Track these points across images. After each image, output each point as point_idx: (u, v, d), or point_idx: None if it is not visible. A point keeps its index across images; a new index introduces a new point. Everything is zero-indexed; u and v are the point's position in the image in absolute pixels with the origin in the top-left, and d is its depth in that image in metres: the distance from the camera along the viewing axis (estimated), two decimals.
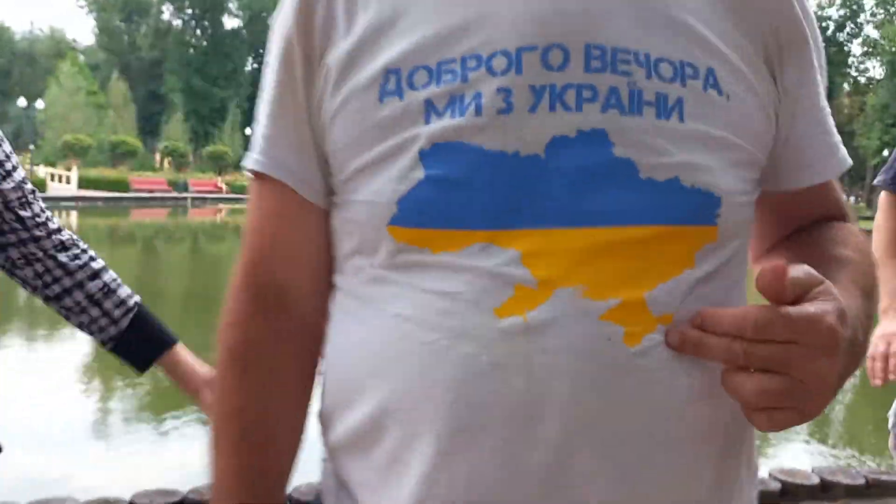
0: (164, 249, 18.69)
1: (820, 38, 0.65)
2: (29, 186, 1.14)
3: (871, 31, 65.07)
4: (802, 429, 5.31)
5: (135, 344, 1.18)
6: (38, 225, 1.14)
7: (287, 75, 0.63)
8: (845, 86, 68.28)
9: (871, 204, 57.53)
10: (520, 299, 0.53)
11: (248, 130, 53.50)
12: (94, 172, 36.74)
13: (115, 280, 1.19)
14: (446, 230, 0.55)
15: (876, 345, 1.64)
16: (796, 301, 0.49)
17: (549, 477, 0.54)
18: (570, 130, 0.54)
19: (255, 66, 70.73)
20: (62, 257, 1.15)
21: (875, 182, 2.03)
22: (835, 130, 0.66)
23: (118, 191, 33.82)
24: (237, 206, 37.19)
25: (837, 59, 65.72)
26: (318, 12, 0.60)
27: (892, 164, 2.00)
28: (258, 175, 0.66)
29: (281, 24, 0.64)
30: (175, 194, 37.29)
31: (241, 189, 42.24)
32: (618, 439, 0.54)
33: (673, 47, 0.57)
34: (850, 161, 0.66)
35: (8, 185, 1.12)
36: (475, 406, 0.54)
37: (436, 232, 0.55)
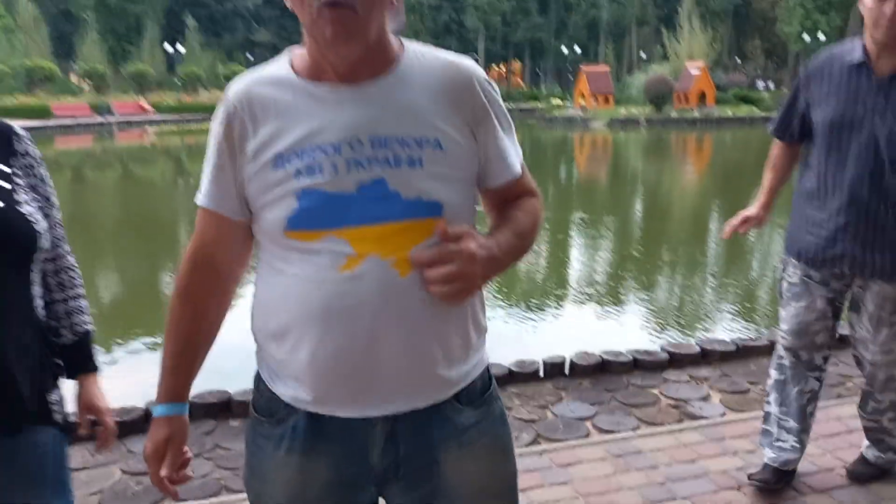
0: (95, 177, 18.39)
1: (499, 103, 1.22)
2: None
3: None
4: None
5: (76, 356, 1.56)
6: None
7: (221, 157, 1.18)
8: None
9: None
10: (350, 262, 1.08)
11: (168, 47, 51.18)
12: (11, 101, 35.04)
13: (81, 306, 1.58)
14: (312, 230, 1.10)
15: (735, 215, 2.65)
16: (458, 240, 1.09)
17: (369, 344, 1.10)
18: (367, 179, 1.09)
19: None
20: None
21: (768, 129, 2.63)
22: (510, 153, 1.24)
23: (39, 118, 32.46)
24: (165, 127, 36.12)
25: None
26: (235, 128, 1.16)
27: (779, 113, 2.57)
28: (204, 207, 1.22)
29: (216, 130, 1.18)
30: (100, 119, 35.97)
31: (167, 109, 40.90)
32: (396, 322, 1.09)
33: (416, 130, 1.12)
34: (517, 169, 1.25)
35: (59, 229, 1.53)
36: (332, 315, 1.09)
37: (307, 232, 1.10)
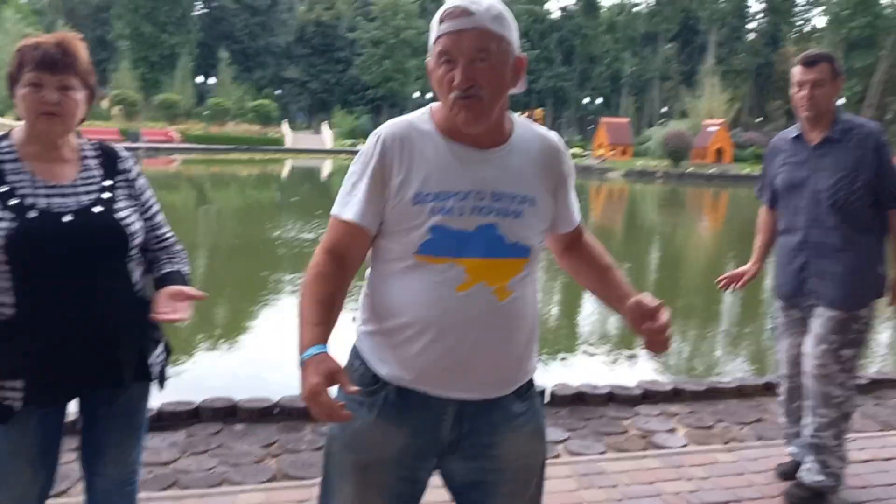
0: None
1: (573, 169, 1.61)
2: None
3: None
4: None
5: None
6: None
7: (374, 182, 1.47)
8: (790, 35, 68.99)
9: None
10: (465, 285, 1.42)
11: (199, 79, 52.50)
12: None
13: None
14: (438, 256, 1.43)
15: (732, 270, 3.20)
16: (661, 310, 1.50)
17: (471, 349, 1.44)
18: (484, 223, 1.43)
19: (206, 10, 68.93)
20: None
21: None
22: (575, 207, 1.64)
23: None
24: (190, 156, 37.00)
25: (783, 7, 66.42)
26: (387, 162, 1.46)
27: (761, 178, 3.17)
28: (351, 221, 1.48)
29: (372, 159, 1.48)
30: (128, 144, 36.95)
31: (193, 139, 41.87)
32: (492, 335, 1.45)
33: (521, 189, 1.48)
34: (577, 219, 1.65)
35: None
36: (447, 323, 1.43)
37: (434, 257, 1.43)
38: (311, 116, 75.20)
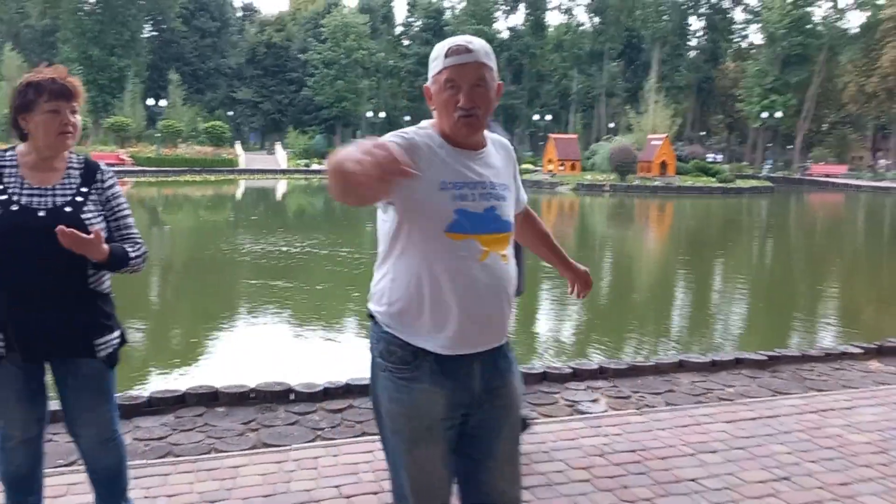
0: None
1: (516, 164, 2.07)
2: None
3: (750, 0, 68.28)
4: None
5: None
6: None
7: (405, 149, 1.63)
8: (729, 51, 71.40)
9: (753, 162, 61.66)
10: (483, 254, 1.80)
11: (149, 101, 52.09)
12: None
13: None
14: (462, 234, 1.78)
15: None
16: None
17: (495, 306, 1.84)
18: (489, 206, 1.83)
19: (155, 32, 68.54)
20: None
21: None
22: (522, 191, 2.11)
23: None
24: (142, 178, 36.86)
25: (721, 25, 68.76)
26: (415, 147, 1.75)
27: None
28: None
29: (402, 140, 1.75)
30: None
31: (145, 161, 41.60)
32: (504, 293, 1.86)
33: (502, 180, 1.91)
34: (525, 199, 2.16)
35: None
36: (476, 287, 1.79)
37: (458, 234, 1.78)
38: (265, 137, 75.23)
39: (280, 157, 52.73)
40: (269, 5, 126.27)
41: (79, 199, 2.31)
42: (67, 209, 2.27)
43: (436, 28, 68.21)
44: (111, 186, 2.42)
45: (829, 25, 59.92)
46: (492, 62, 1.83)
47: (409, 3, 74.22)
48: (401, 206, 1.78)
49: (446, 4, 71.95)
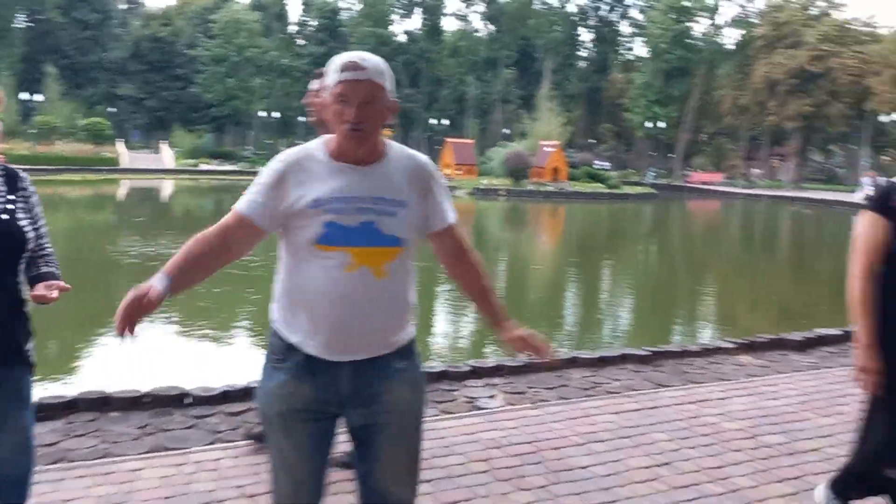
0: None
1: (437, 179, 2.03)
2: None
3: (636, 14, 71.45)
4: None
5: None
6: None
7: (272, 191, 1.90)
8: (616, 63, 74.38)
9: (638, 170, 64.58)
10: (351, 267, 1.85)
11: (23, 95, 48.98)
12: None
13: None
14: (331, 246, 1.85)
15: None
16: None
17: (358, 317, 1.88)
18: (365, 220, 1.87)
19: (30, 23, 64.47)
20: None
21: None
22: (445, 209, 2.03)
23: None
24: None
25: (609, 37, 71.58)
26: (286, 179, 1.90)
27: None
28: (244, 214, 1.91)
29: (273, 174, 1.92)
30: None
31: (19, 159, 39.00)
32: (372, 306, 1.89)
33: (394, 194, 1.91)
34: (451, 219, 2.04)
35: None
36: (340, 297, 1.86)
37: (328, 247, 1.86)
38: (149, 135, 72.03)
39: (166, 156, 50.71)
40: None
41: (10, 206, 2.25)
42: (4, 216, 2.21)
43: (331, 29, 67.65)
44: (34, 194, 2.37)
45: (707, 41, 63.50)
46: (385, 80, 1.90)
47: (303, 2, 73.14)
48: (276, 223, 1.92)
49: (342, 5, 71.38)
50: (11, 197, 2.28)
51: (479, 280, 2.13)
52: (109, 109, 65.79)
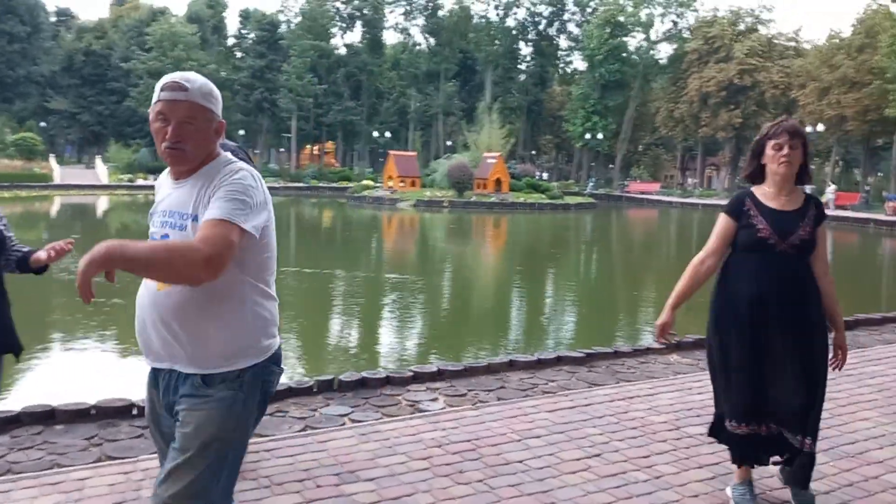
0: None
1: (230, 189, 1.91)
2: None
3: (573, 28, 72.96)
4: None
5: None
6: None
7: None
8: (556, 76, 75.75)
9: (578, 180, 65.84)
10: (159, 286, 1.94)
11: None
12: None
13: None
14: None
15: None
16: None
17: (147, 328, 2.01)
18: (163, 233, 1.99)
19: None
20: None
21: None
22: (214, 209, 1.87)
23: None
24: None
25: (548, 51, 72.94)
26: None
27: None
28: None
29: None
30: None
31: None
32: (156, 317, 1.97)
33: (188, 209, 1.95)
34: (211, 216, 1.87)
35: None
36: (138, 305, 2.03)
37: None
38: (83, 150, 70.29)
39: (100, 171, 49.60)
40: (88, 11, 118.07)
41: None
42: None
43: (270, 41, 66.96)
44: None
45: (642, 55, 65.25)
46: (209, 103, 1.96)
47: (241, 15, 72.44)
48: None
49: (282, 18, 70.90)
50: None
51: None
52: (41, 124, 63.96)
